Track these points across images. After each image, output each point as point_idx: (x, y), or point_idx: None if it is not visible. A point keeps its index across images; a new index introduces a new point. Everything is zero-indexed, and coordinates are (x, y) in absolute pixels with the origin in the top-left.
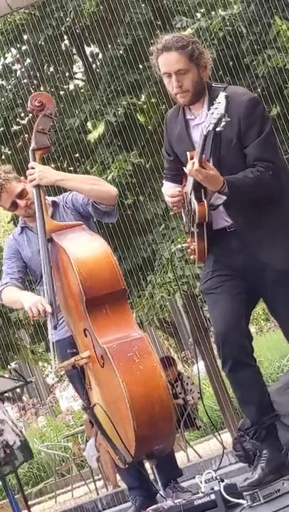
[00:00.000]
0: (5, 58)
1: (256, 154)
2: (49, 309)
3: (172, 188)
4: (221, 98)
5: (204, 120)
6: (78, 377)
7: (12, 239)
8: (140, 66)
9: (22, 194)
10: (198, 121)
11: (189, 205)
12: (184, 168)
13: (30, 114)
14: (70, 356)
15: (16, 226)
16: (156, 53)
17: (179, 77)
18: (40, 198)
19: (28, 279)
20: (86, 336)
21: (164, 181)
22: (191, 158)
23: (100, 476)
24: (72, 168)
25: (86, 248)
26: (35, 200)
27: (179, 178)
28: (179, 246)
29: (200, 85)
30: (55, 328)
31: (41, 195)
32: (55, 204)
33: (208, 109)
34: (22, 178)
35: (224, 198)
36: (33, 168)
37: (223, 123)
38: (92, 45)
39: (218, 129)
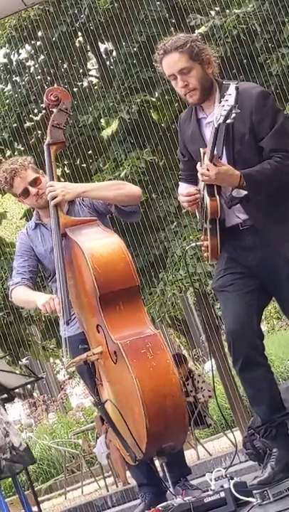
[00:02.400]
0: (19, 54)
1: (272, 145)
2: (59, 308)
3: (188, 188)
4: (232, 90)
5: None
6: (89, 374)
7: (25, 234)
8: (154, 64)
9: (35, 182)
10: (210, 119)
11: (202, 201)
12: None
13: (44, 111)
14: (82, 352)
15: (29, 222)
16: (159, 59)
17: (184, 77)
18: (58, 217)
19: (40, 275)
20: (99, 331)
21: (179, 182)
22: (204, 154)
23: (110, 472)
24: (85, 165)
25: (101, 243)
26: (53, 219)
27: (194, 178)
28: (193, 244)
29: (207, 81)
30: (67, 324)
31: (58, 214)
32: (70, 201)
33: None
34: (41, 171)
35: (245, 192)
36: (52, 185)
37: (233, 115)
38: (106, 42)
39: (228, 121)
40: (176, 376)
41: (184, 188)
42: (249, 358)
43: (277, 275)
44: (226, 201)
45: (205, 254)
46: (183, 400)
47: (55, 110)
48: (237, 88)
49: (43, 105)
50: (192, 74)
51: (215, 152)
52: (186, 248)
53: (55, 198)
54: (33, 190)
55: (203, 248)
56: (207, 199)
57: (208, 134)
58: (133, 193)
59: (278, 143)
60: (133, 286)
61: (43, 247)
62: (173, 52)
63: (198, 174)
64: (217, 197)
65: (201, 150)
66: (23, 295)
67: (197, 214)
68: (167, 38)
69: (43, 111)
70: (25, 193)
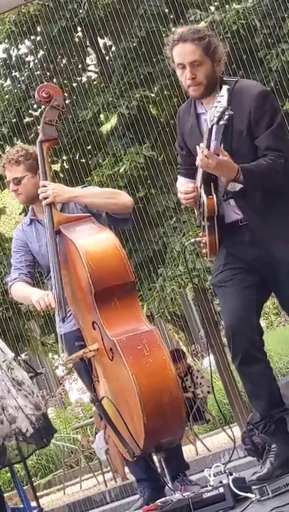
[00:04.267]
0: (18, 49)
1: (267, 143)
2: (53, 303)
3: (186, 183)
4: (224, 91)
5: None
6: (86, 370)
7: (20, 230)
8: (153, 59)
9: (18, 181)
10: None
11: (199, 199)
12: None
13: (43, 106)
14: (79, 349)
15: (24, 218)
16: (171, 44)
17: (193, 69)
18: (52, 216)
19: (39, 271)
20: (94, 328)
21: (178, 176)
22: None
23: (109, 468)
24: (84, 160)
25: (95, 240)
26: (47, 218)
27: (192, 172)
28: (192, 240)
29: (213, 79)
30: (63, 321)
31: (52, 214)
32: None
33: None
34: (39, 171)
35: (240, 185)
36: (45, 186)
37: (226, 116)
38: (105, 37)
39: (221, 122)
40: (172, 372)
41: (182, 183)
42: (248, 354)
43: (277, 271)
44: (221, 195)
45: (204, 251)
46: (180, 396)
47: (47, 107)
48: (229, 90)
49: None
50: (202, 68)
51: (215, 142)
52: (186, 244)
53: (46, 198)
54: (13, 187)
55: (201, 244)
56: (204, 197)
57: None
58: (123, 203)
59: (273, 142)
60: (128, 282)
61: (37, 243)
62: (189, 42)
63: (197, 160)
64: (214, 195)
65: (199, 145)
66: (20, 291)
67: (195, 210)
68: (163, 35)
69: (42, 106)
70: (9, 185)
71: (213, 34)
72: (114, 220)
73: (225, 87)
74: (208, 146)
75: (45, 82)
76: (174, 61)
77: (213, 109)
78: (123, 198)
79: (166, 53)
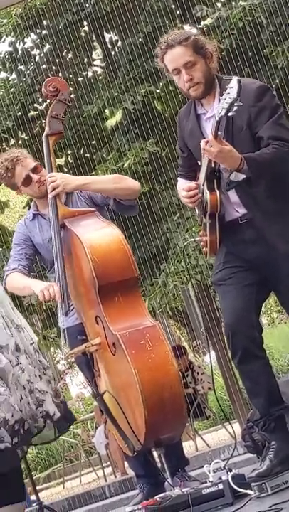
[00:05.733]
0: (24, 43)
1: (270, 133)
2: (59, 296)
3: (186, 184)
4: (234, 83)
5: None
6: (87, 365)
7: (23, 224)
8: (155, 58)
9: (36, 169)
10: (210, 114)
11: (202, 196)
12: (198, 162)
13: (48, 100)
14: (81, 343)
15: (27, 213)
16: (161, 54)
17: (188, 70)
18: (57, 209)
19: (40, 264)
20: (97, 323)
21: (178, 178)
22: (205, 143)
23: (109, 462)
24: (88, 155)
25: (99, 234)
26: (52, 211)
27: (192, 174)
28: (192, 240)
29: (210, 76)
30: (65, 314)
31: (57, 205)
32: (68, 192)
33: (220, 101)
34: (38, 162)
35: (243, 175)
36: (52, 176)
37: (235, 107)
38: (111, 32)
39: (230, 113)
40: (174, 367)
41: (182, 185)
42: (247, 351)
43: (277, 269)
44: (223, 185)
45: (204, 250)
46: (181, 392)
47: (54, 101)
48: (239, 81)
49: None
50: (196, 68)
51: (219, 133)
52: (184, 244)
53: (55, 188)
54: (35, 176)
55: (202, 244)
56: (207, 193)
57: (208, 129)
58: (132, 187)
59: (276, 131)
60: (132, 278)
61: (41, 237)
62: (177, 46)
63: (201, 149)
64: (217, 191)
65: (202, 141)
66: (18, 281)
67: (196, 209)
68: (170, 30)
69: (48, 100)
70: (27, 180)
71: (198, 33)
72: (121, 207)
73: (235, 78)
74: (215, 137)
75: (51, 77)
76: (168, 70)
77: (222, 101)
78: (130, 183)
79: (159, 65)
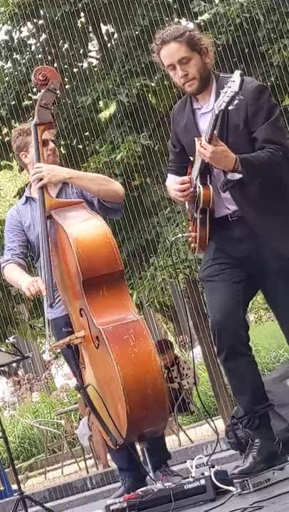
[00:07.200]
0: (20, 32)
1: (265, 136)
2: (43, 289)
3: (176, 179)
4: (236, 76)
5: (212, 108)
6: (73, 357)
7: (15, 209)
8: (151, 54)
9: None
10: (206, 109)
11: (194, 190)
12: (191, 157)
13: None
14: (66, 335)
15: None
16: (156, 50)
17: (183, 66)
18: (44, 200)
19: (30, 254)
20: (82, 315)
21: (168, 174)
22: (199, 141)
23: (91, 454)
24: (81, 147)
25: (85, 227)
26: (39, 202)
27: (183, 171)
28: (180, 235)
29: (205, 71)
30: (51, 306)
31: (44, 197)
32: (64, 183)
33: (216, 98)
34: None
35: (240, 175)
36: (39, 167)
37: (236, 101)
38: (108, 24)
39: (230, 107)
40: (157, 363)
41: (172, 180)
42: (233, 349)
43: (265, 267)
44: (220, 185)
45: (192, 245)
46: (164, 387)
47: (43, 90)
48: (242, 74)
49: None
50: (191, 63)
51: (215, 132)
52: (174, 238)
53: (41, 180)
54: (51, 144)
55: (190, 239)
56: (200, 188)
57: (203, 124)
58: (116, 190)
59: (272, 134)
60: (117, 271)
61: (31, 221)
62: (172, 42)
63: (196, 150)
64: (210, 186)
65: (196, 139)
66: (12, 275)
67: (186, 204)
68: (166, 25)
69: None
70: (45, 142)
71: (192, 29)
72: (105, 210)
73: (237, 72)
74: (209, 142)
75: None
76: (164, 65)
77: (223, 95)
78: (116, 186)
79: (155, 60)
